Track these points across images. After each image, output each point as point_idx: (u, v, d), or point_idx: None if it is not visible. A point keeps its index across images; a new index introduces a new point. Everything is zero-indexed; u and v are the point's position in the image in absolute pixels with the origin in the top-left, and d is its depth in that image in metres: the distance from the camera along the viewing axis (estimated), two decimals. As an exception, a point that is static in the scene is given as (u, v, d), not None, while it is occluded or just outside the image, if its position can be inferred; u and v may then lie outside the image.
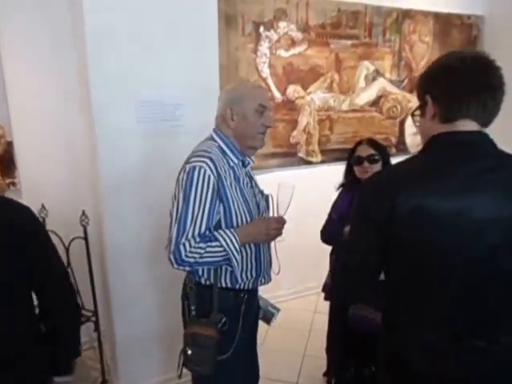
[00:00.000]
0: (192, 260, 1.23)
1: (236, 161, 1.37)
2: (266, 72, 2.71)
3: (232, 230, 1.28)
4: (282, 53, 2.76)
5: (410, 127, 3.32)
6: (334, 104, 2.96)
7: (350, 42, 2.95)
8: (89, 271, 2.02)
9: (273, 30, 2.71)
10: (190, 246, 1.22)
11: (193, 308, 1.35)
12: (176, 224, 1.24)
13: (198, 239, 1.23)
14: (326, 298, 2.08)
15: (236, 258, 1.28)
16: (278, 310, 1.56)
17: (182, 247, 1.21)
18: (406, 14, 3.14)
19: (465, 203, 0.90)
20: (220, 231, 1.27)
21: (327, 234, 1.96)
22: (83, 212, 1.98)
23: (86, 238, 1.99)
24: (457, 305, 0.94)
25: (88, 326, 2.10)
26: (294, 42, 2.78)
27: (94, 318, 2.07)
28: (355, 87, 3.02)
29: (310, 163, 2.89)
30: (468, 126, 0.95)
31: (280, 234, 1.38)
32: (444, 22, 3.31)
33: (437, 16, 3.27)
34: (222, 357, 1.31)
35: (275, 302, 3.14)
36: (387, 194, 0.94)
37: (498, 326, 0.96)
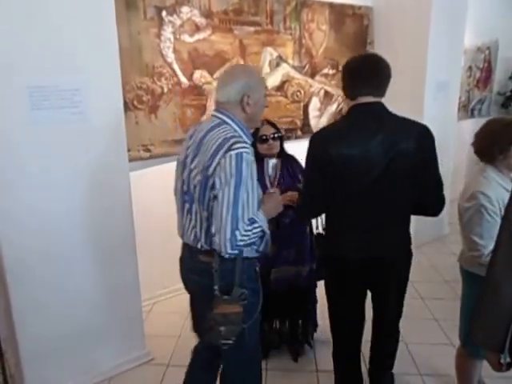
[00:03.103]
0: (242, 243, 1.31)
1: (249, 143, 1.45)
2: (170, 57, 2.67)
3: (259, 210, 1.40)
4: (187, 38, 2.74)
5: (313, 110, 3.54)
6: (241, 89, 3.02)
7: (252, 29, 3.02)
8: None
9: (175, 15, 2.67)
10: (244, 230, 1.30)
11: (216, 288, 1.39)
12: (230, 211, 1.28)
13: (247, 223, 1.31)
14: None
15: (268, 235, 1.45)
16: None
17: (237, 233, 1.29)
18: (304, 3, 3.31)
19: (365, 148, 1.46)
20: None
21: None
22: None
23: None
24: (365, 212, 1.53)
25: (-13, 333, 1.93)
26: (197, 28, 2.78)
27: (-9, 324, 1.91)
28: (260, 73, 3.12)
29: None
30: (366, 99, 1.51)
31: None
32: (338, 12, 3.55)
33: (331, 6, 3.49)
34: (248, 324, 1.44)
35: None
36: (326, 144, 1.50)
37: (398, 221, 1.58)
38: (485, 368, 1.81)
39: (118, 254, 2.12)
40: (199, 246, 1.44)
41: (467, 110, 5.10)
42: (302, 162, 2.15)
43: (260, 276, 2.12)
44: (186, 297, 2.95)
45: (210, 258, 1.40)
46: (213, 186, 1.32)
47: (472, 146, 1.72)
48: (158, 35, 2.60)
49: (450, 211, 3.91)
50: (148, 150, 2.63)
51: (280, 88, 3.27)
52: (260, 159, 2.09)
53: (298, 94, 3.39)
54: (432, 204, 1.59)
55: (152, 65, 2.59)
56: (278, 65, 3.20)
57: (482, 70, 5.19)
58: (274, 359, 2.25)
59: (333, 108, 3.69)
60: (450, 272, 3.17)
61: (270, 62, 3.16)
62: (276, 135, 2.06)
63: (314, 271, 2.13)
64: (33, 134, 1.80)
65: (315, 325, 2.36)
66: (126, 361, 2.23)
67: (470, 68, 4.93)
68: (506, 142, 1.60)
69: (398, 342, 1.83)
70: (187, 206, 1.45)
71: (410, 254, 1.66)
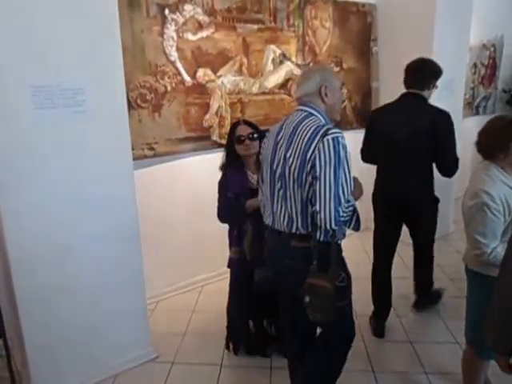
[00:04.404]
0: (342, 219, 1.45)
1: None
2: (173, 55, 2.67)
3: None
4: (190, 36, 2.73)
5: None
6: (245, 87, 3.02)
7: (256, 27, 3.02)
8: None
9: (178, 13, 2.67)
10: (344, 207, 1.44)
11: (314, 263, 1.49)
12: (332, 189, 1.41)
13: (346, 202, 1.44)
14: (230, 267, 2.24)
15: (359, 212, 1.53)
16: None
17: (340, 209, 1.42)
18: (308, 1, 3.29)
19: (396, 120, 2.25)
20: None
21: (227, 213, 2.06)
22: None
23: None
24: (397, 166, 2.30)
25: (-8, 332, 1.94)
26: (201, 26, 2.77)
27: (-3, 323, 1.91)
28: (263, 70, 3.11)
29: (223, 146, 2.93)
30: (412, 90, 2.29)
31: None
32: (342, 9, 3.54)
33: (335, 3, 3.48)
34: (342, 303, 1.54)
35: (193, 287, 3.20)
36: (375, 116, 2.47)
37: (412, 173, 2.28)
38: (491, 366, 1.80)
39: (123, 253, 2.13)
40: (294, 230, 1.53)
41: (472, 107, 5.06)
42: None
43: (245, 277, 2.11)
44: (190, 295, 2.97)
45: (302, 243, 1.51)
46: (311, 170, 1.44)
47: (475, 144, 1.70)
48: (161, 33, 2.60)
49: (454, 209, 3.89)
50: (152, 149, 2.63)
51: (283, 86, 3.25)
52: (238, 162, 2.09)
53: (302, 91, 3.37)
54: (449, 167, 2.23)
55: (155, 63, 2.59)
56: (281, 62, 3.19)
57: (487, 67, 5.14)
58: (277, 358, 2.25)
59: (336, 106, 3.67)
60: (455, 270, 3.15)
61: (273, 59, 3.14)
62: (253, 135, 2.04)
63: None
64: (36, 133, 1.80)
65: None
66: (132, 358, 2.23)
67: (474, 65, 4.89)
68: (507, 141, 1.57)
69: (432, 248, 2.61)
70: (281, 192, 1.55)
71: (431, 197, 2.35)
